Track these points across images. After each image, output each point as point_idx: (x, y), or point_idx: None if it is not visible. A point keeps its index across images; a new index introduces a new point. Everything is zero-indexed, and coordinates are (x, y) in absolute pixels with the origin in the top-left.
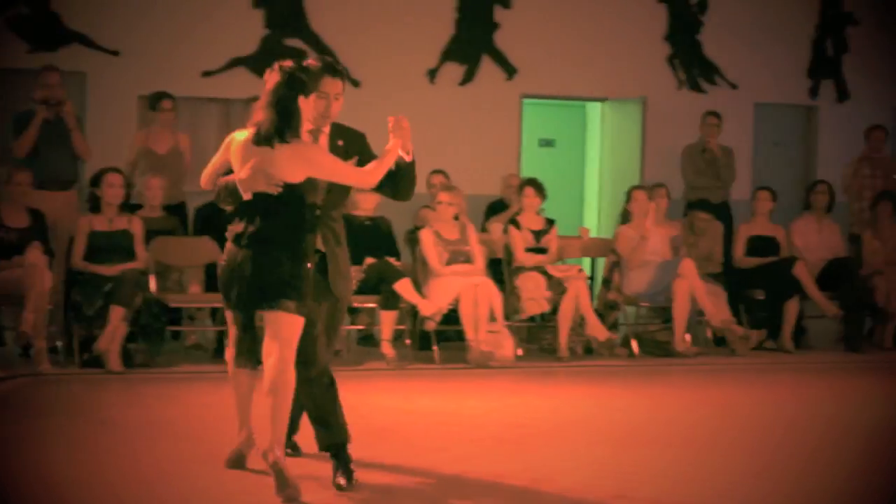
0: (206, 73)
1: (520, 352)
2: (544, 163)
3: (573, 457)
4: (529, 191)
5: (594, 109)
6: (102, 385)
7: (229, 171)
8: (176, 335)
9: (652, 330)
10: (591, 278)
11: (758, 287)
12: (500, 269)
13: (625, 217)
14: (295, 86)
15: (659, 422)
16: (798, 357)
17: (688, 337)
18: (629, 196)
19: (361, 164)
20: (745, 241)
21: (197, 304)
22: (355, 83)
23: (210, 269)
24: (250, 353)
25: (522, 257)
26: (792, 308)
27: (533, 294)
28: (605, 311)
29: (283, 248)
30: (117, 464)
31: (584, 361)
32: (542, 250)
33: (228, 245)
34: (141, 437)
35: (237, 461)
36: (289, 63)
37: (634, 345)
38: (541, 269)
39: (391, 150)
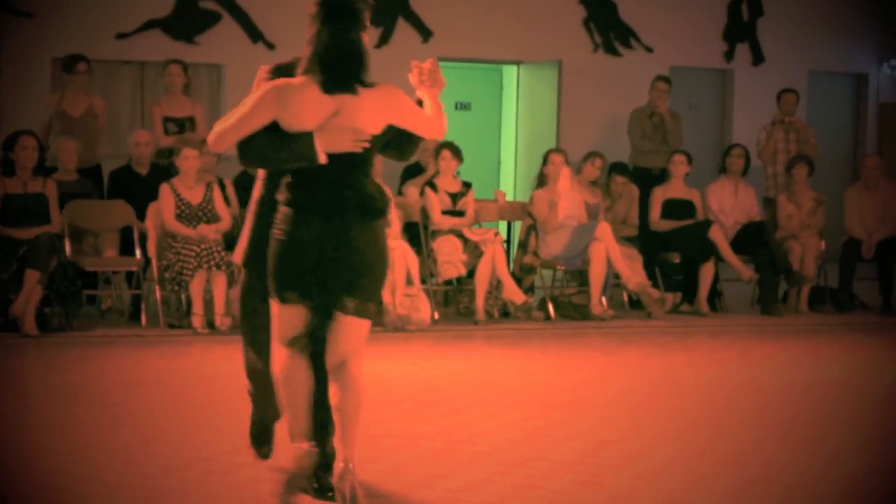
0: (121, 36)
1: (436, 315)
2: (461, 126)
3: (490, 419)
4: (446, 154)
5: (510, 72)
6: (18, 349)
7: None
8: (92, 299)
9: (568, 293)
10: (508, 241)
11: (673, 250)
12: (417, 233)
13: (541, 180)
14: (351, 18)
15: (575, 384)
16: (713, 320)
17: (604, 300)
18: (545, 159)
19: None
20: (660, 204)
21: (112, 268)
22: (271, 46)
23: (125, 233)
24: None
25: (439, 220)
26: (707, 271)
27: (449, 257)
28: (522, 274)
29: (374, 224)
30: (33, 429)
31: (501, 324)
32: (458, 213)
33: (289, 213)
34: (56, 401)
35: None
36: None
37: (551, 308)
38: (457, 233)
39: (434, 102)
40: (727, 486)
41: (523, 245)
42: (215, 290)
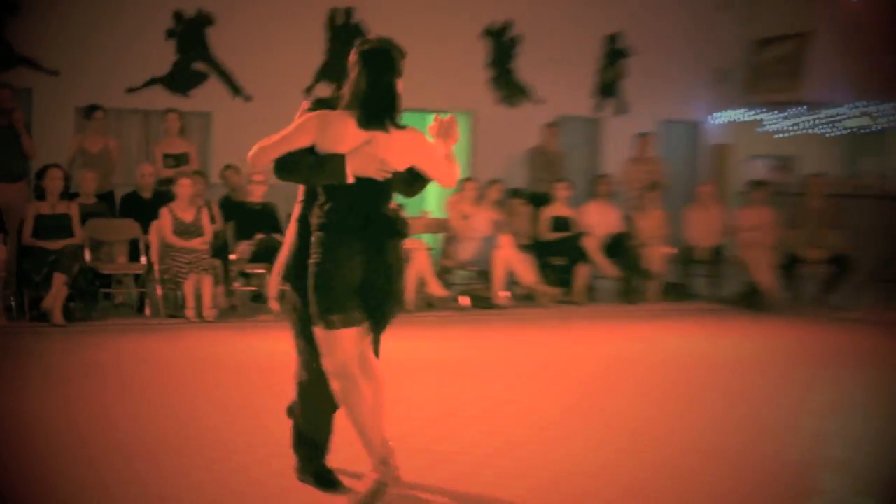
0: (130, 90)
1: None
2: None
3: (409, 386)
4: None
5: (433, 119)
6: (48, 335)
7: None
8: (107, 296)
9: (477, 288)
10: (432, 249)
11: (557, 255)
12: None
13: (455, 203)
14: (388, 65)
15: (482, 358)
16: (588, 308)
17: (506, 293)
18: (462, 185)
19: None
20: (547, 220)
21: (123, 271)
22: (248, 98)
23: (133, 244)
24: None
25: None
26: (582, 271)
27: None
28: (443, 274)
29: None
30: (55, 401)
31: (427, 313)
32: None
33: (322, 237)
34: (79, 376)
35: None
36: (381, 39)
37: (465, 300)
38: None
39: (448, 152)
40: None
41: (444, 252)
42: (203, 289)
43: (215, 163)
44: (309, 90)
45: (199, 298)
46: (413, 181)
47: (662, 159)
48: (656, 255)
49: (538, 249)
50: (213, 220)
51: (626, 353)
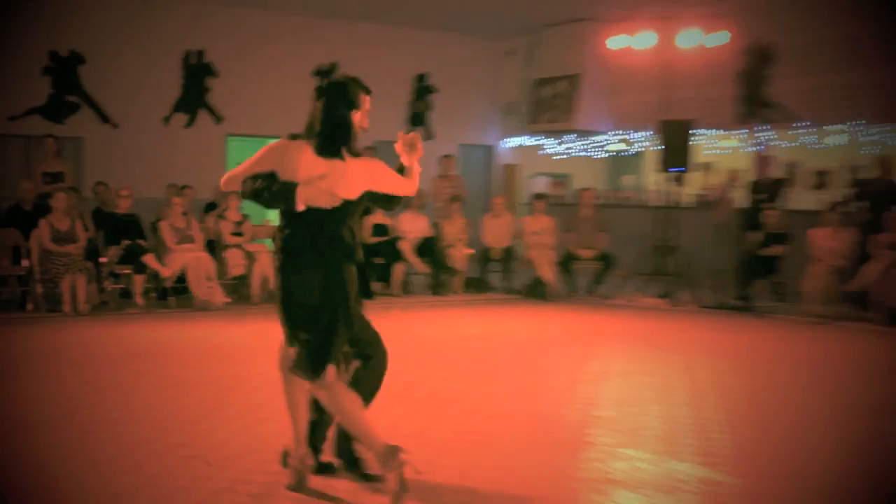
0: (11, 118)
1: (227, 300)
2: None
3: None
4: (233, 196)
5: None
6: None
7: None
8: None
9: None
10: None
11: (378, 255)
12: (214, 247)
13: None
14: (342, 99)
15: None
16: (404, 299)
17: None
18: None
19: None
20: (370, 227)
21: (7, 273)
22: (115, 126)
23: (15, 250)
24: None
25: (228, 239)
26: (398, 269)
27: (235, 262)
28: None
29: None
30: None
31: (271, 304)
32: (240, 234)
33: (281, 259)
34: None
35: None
36: (343, 76)
37: None
38: (241, 246)
39: (413, 166)
40: (431, 412)
41: None
42: (78, 287)
43: (87, 180)
44: (167, 119)
45: (74, 295)
46: (388, 200)
47: (462, 176)
48: (459, 255)
49: (363, 251)
50: (85, 228)
51: (435, 335)
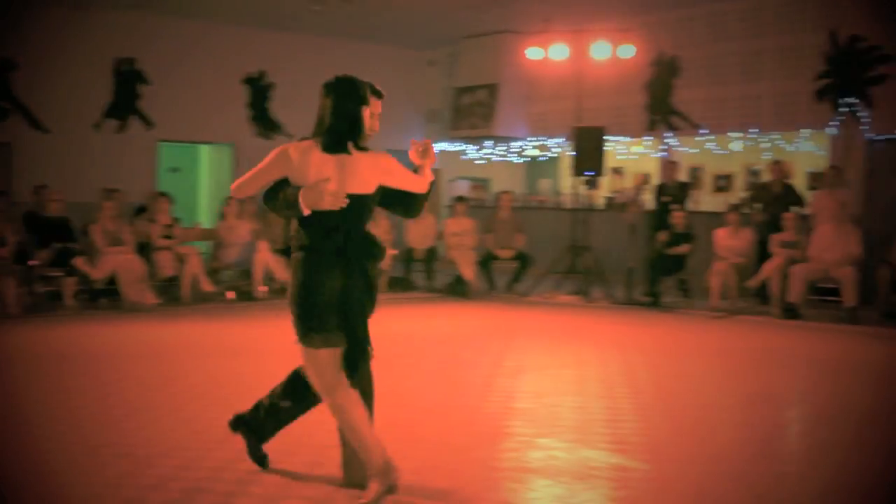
0: None
1: (157, 301)
2: (173, 182)
3: (190, 368)
4: (163, 199)
5: (204, 149)
6: None
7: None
8: None
9: (241, 284)
10: (203, 253)
11: None
12: (144, 250)
13: (222, 215)
14: (352, 95)
15: (242, 341)
16: None
17: (264, 288)
18: (226, 202)
19: None
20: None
21: None
22: (46, 131)
23: None
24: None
25: (158, 242)
26: None
27: (165, 264)
28: (212, 273)
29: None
30: None
31: (200, 304)
32: (170, 237)
33: (300, 257)
34: None
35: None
36: (345, 77)
37: (231, 294)
38: (171, 249)
39: (426, 169)
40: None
41: (213, 255)
42: (8, 289)
43: (17, 184)
44: (98, 125)
45: (3, 298)
46: (407, 202)
47: None
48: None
49: (290, 252)
50: (16, 231)
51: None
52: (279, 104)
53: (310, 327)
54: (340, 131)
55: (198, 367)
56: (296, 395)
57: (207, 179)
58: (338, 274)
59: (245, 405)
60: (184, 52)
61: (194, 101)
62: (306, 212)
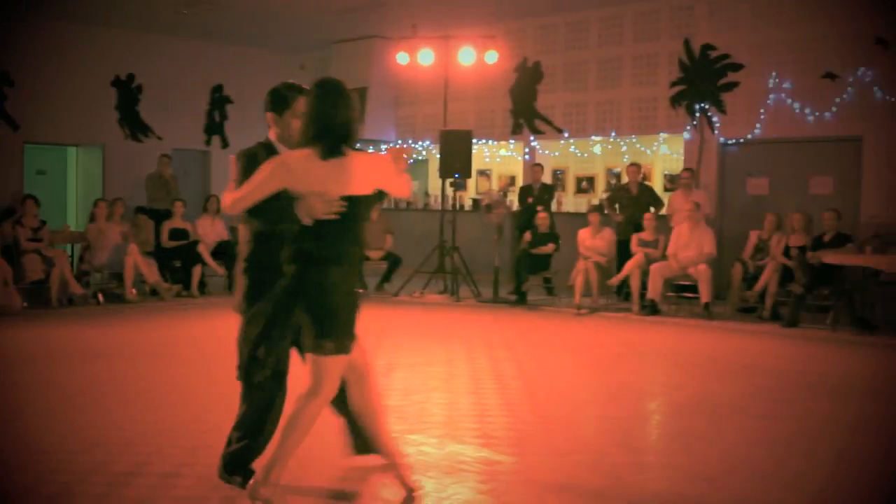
0: None
1: (24, 304)
2: (40, 184)
3: (56, 369)
4: (30, 202)
5: (72, 151)
6: None
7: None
8: None
9: (111, 287)
10: (71, 256)
11: (176, 259)
12: (11, 253)
13: (91, 218)
14: (339, 99)
15: (115, 342)
16: (202, 300)
17: (134, 290)
18: (95, 204)
19: None
20: (167, 231)
21: None
22: None
23: None
24: None
25: (26, 245)
26: (196, 271)
27: (33, 267)
28: (82, 276)
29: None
30: None
31: (70, 308)
32: (39, 240)
33: (299, 269)
34: None
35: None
36: (331, 80)
37: (101, 296)
38: (38, 252)
39: (402, 171)
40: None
41: (82, 257)
42: None
43: None
44: None
45: None
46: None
47: None
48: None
49: (160, 254)
50: None
51: (232, 334)
52: (149, 107)
53: (320, 335)
54: (337, 136)
55: (67, 371)
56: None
57: (76, 182)
58: (340, 275)
59: (116, 408)
60: (51, 53)
61: (62, 102)
62: (308, 221)
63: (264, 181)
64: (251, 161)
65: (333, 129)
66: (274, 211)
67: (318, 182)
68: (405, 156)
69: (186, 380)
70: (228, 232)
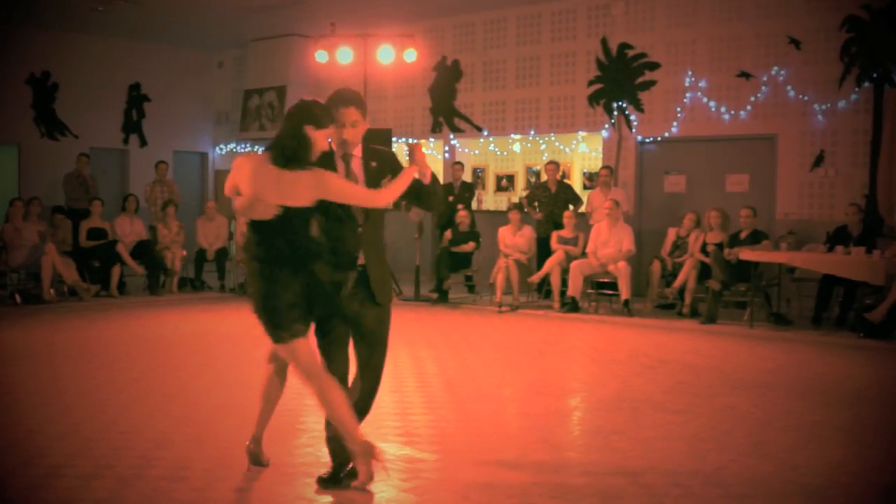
0: None
1: None
2: None
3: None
4: None
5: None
6: None
7: None
8: None
9: (29, 287)
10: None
11: (94, 258)
12: None
13: (7, 217)
14: (304, 117)
15: (32, 344)
16: (121, 300)
17: (52, 291)
18: (11, 203)
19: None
20: (86, 231)
21: None
22: None
23: None
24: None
25: None
26: (115, 270)
27: None
28: (1, 277)
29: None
30: None
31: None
32: None
33: (258, 267)
34: None
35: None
36: (306, 98)
37: (18, 297)
38: None
39: (406, 174)
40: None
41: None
42: None
43: None
44: None
45: None
46: (423, 197)
47: (177, 182)
48: (175, 257)
49: (79, 254)
50: None
51: (152, 333)
52: (65, 105)
53: (276, 326)
54: (285, 149)
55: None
56: None
57: None
58: (290, 276)
59: (32, 411)
60: None
61: None
62: (239, 219)
63: (231, 178)
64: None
65: (283, 142)
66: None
67: (257, 186)
68: (415, 153)
69: (106, 381)
70: (147, 231)
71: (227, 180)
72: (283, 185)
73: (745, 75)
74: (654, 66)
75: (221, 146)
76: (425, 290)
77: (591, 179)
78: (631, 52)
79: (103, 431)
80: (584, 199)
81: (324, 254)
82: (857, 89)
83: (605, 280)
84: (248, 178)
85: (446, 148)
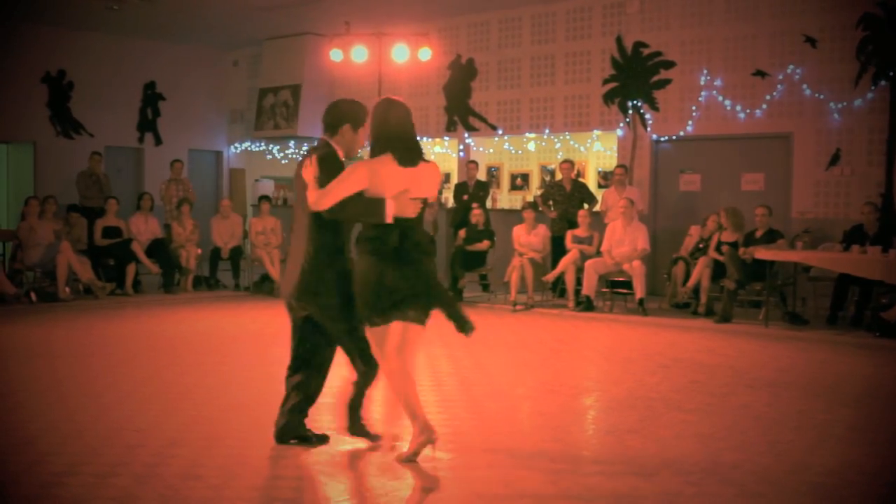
0: None
1: None
2: None
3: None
4: None
5: (2, 148)
6: None
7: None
8: None
9: (44, 285)
10: (4, 254)
11: (109, 257)
12: None
13: (23, 216)
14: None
15: (49, 344)
16: (136, 298)
17: (68, 289)
18: (27, 202)
19: None
20: (101, 229)
21: None
22: None
23: None
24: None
25: None
26: (131, 269)
27: None
28: (14, 274)
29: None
30: None
31: (2, 306)
32: None
33: (370, 260)
34: None
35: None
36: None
37: (34, 295)
38: None
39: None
40: (164, 404)
41: (14, 256)
42: None
43: None
44: None
45: None
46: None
47: (191, 180)
48: (189, 255)
49: (94, 252)
50: None
51: (167, 332)
52: (81, 104)
53: (372, 312)
54: (411, 147)
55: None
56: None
57: (7, 179)
58: (399, 269)
59: (49, 408)
60: None
61: None
62: (390, 219)
63: (351, 181)
64: (336, 163)
65: (406, 142)
66: (352, 210)
67: (389, 189)
68: None
69: (120, 378)
70: (162, 229)
71: (340, 186)
72: (421, 181)
73: (760, 74)
74: (669, 64)
75: (236, 145)
76: None
77: (605, 178)
78: (646, 51)
79: (118, 429)
80: (599, 197)
81: (434, 249)
82: (872, 88)
83: (620, 279)
84: (388, 181)
85: (461, 147)
